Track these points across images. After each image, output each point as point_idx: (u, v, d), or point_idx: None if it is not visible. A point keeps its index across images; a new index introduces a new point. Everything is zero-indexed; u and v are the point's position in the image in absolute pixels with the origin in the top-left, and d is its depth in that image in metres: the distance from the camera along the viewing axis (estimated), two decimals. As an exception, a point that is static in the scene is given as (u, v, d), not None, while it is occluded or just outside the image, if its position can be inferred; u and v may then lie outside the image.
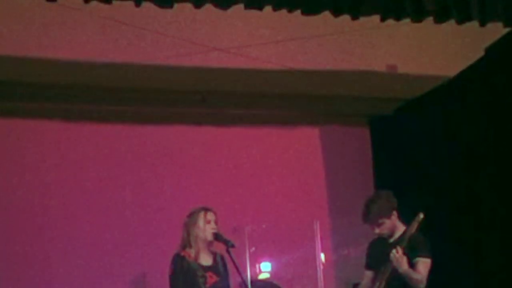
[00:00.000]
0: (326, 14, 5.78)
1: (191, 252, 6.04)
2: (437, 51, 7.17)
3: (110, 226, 7.53)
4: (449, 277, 6.67)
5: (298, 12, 5.73)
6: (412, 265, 5.81)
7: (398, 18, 5.90)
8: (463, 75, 7.21)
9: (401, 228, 5.96)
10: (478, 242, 6.90)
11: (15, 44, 6.52)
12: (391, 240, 5.98)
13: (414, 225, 5.82)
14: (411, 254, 5.82)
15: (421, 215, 5.80)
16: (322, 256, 7.71)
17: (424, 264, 5.85)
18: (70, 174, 7.55)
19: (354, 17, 5.82)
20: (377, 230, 5.99)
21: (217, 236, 6.01)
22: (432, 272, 5.90)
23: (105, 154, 7.67)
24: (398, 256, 5.75)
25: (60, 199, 7.48)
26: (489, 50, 6.81)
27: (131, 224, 7.60)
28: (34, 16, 6.21)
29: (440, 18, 5.89)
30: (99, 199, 7.56)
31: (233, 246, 5.93)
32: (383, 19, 5.89)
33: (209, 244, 6.09)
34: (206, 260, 6.07)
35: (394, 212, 6.00)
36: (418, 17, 5.87)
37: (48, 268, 7.32)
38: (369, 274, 6.12)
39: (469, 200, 7.04)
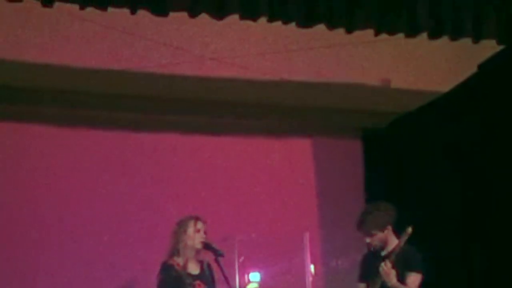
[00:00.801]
0: (321, 27, 5.80)
1: (179, 261, 6.02)
2: (430, 66, 7.19)
3: (101, 231, 7.53)
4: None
5: (293, 24, 5.75)
6: (402, 278, 5.82)
7: (392, 32, 5.93)
8: (456, 91, 7.23)
9: (394, 242, 5.95)
10: (470, 256, 6.91)
11: (9, 48, 6.53)
12: (384, 252, 5.97)
13: (403, 239, 5.82)
14: (402, 267, 5.81)
15: (410, 229, 5.80)
16: (312, 267, 7.72)
17: (414, 278, 5.84)
18: (64, 178, 7.55)
19: (348, 30, 5.84)
20: (368, 240, 5.99)
21: (206, 245, 6.00)
22: (423, 286, 5.91)
23: (98, 160, 7.68)
24: (386, 269, 5.75)
25: (54, 203, 7.48)
26: (482, 67, 6.83)
27: (122, 230, 7.60)
28: (29, 21, 6.21)
29: (434, 34, 5.91)
30: (91, 204, 7.57)
31: (222, 255, 5.93)
32: (377, 34, 5.91)
33: (197, 252, 6.08)
34: (193, 268, 6.05)
35: (389, 226, 5.99)
36: (411, 33, 5.90)
37: (41, 269, 7.33)
38: (362, 287, 6.12)
39: (462, 215, 7.04)
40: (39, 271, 7.31)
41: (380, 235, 5.96)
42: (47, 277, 7.31)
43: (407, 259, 5.81)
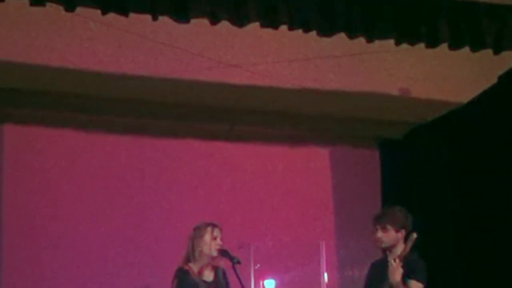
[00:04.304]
0: (341, 35, 5.80)
1: (194, 267, 6.02)
2: (450, 77, 7.18)
3: (115, 237, 7.55)
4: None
5: (313, 32, 5.75)
6: (405, 284, 5.81)
7: (412, 42, 5.93)
8: (475, 102, 7.22)
9: (401, 248, 5.96)
10: (483, 269, 6.89)
11: (30, 52, 6.56)
12: (390, 257, 5.97)
13: (408, 244, 5.82)
14: (407, 273, 5.80)
15: (415, 235, 5.80)
16: (326, 276, 7.72)
17: (416, 286, 5.85)
18: (78, 183, 7.58)
19: (369, 39, 5.84)
20: (379, 234, 5.96)
21: (222, 252, 5.99)
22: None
23: (114, 165, 7.70)
24: (395, 265, 5.73)
25: (67, 208, 7.51)
26: (502, 78, 6.82)
27: (136, 236, 7.61)
28: (51, 25, 6.25)
29: (455, 45, 5.91)
30: (105, 209, 7.59)
31: (239, 262, 5.90)
32: (397, 43, 5.91)
33: (212, 259, 6.07)
34: (208, 275, 6.05)
35: (403, 231, 5.98)
36: (432, 43, 5.89)
37: (52, 276, 7.35)
38: None
39: (479, 228, 7.02)
40: (48, 273, 7.34)
41: (393, 234, 5.95)
42: (56, 283, 7.34)
43: (412, 267, 5.80)
